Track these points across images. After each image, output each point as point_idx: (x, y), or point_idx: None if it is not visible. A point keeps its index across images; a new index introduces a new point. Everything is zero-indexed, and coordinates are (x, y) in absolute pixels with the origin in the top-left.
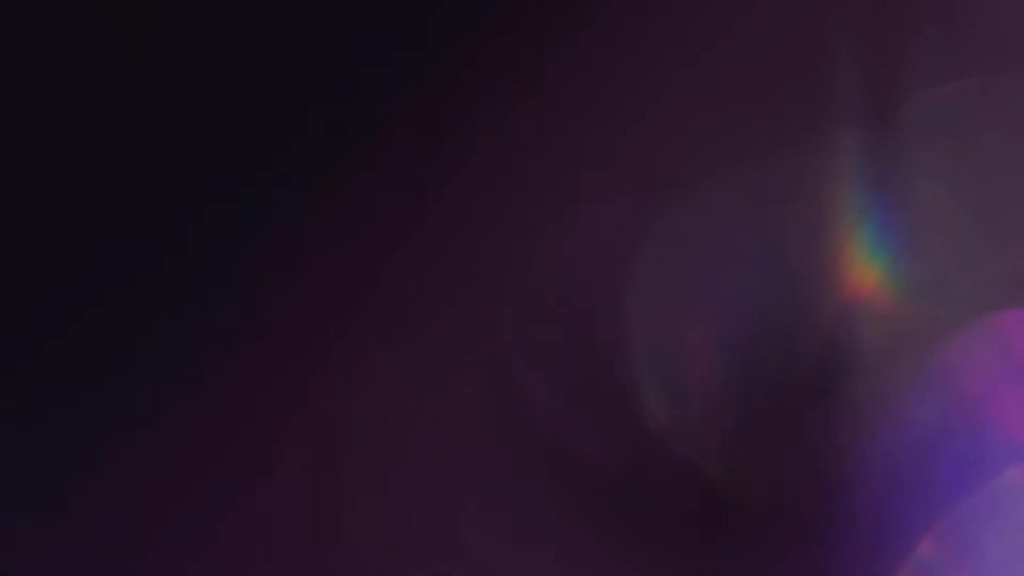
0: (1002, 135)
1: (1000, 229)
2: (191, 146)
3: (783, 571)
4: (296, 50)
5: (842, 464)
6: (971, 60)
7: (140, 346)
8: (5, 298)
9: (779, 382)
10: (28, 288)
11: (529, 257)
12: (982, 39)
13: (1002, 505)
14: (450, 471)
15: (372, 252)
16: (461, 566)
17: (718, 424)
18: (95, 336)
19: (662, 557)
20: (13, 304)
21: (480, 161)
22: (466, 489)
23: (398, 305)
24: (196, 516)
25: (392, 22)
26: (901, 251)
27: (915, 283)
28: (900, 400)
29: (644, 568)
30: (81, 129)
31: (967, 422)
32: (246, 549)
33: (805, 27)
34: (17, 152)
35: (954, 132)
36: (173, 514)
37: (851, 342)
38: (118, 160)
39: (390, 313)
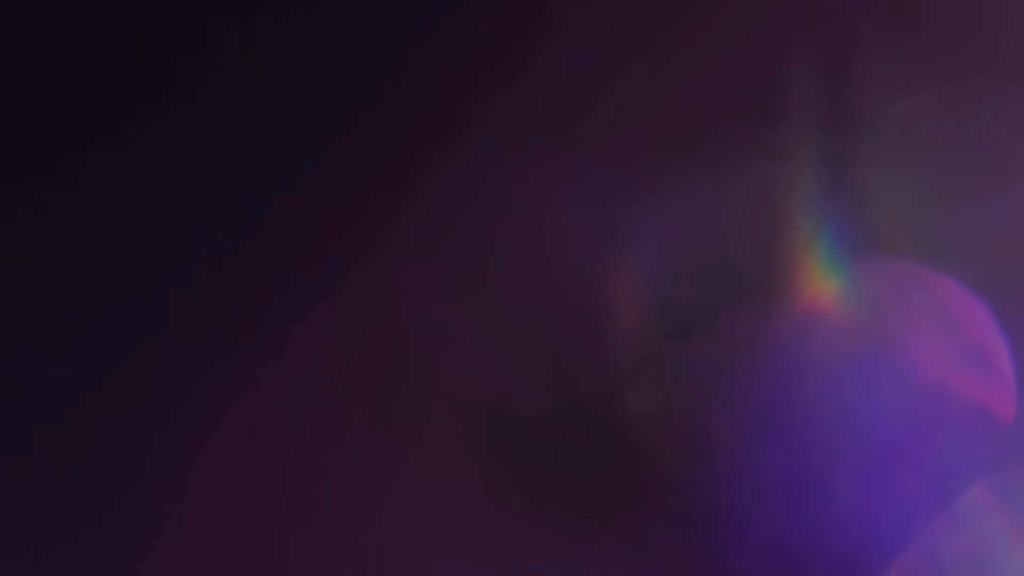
0: (962, 144)
1: (960, 238)
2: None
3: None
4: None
5: (800, 468)
6: (933, 69)
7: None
8: None
9: (737, 385)
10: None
11: (501, 252)
12: (943, 48)
13: (963, 522)
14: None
15: (357, 246)
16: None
17: (680, 424)
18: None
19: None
20: None
21: (457, 159)
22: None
23: (380, 296)
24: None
25: (378, 18)
26: (859, 261)
27: (872, 292)
28: (861, 408)
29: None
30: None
31: (928, 433)
32: (224, 547)
33: (765, 37)
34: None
35: (914, 142)
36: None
37: (809, 350)
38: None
39: (372, 304)
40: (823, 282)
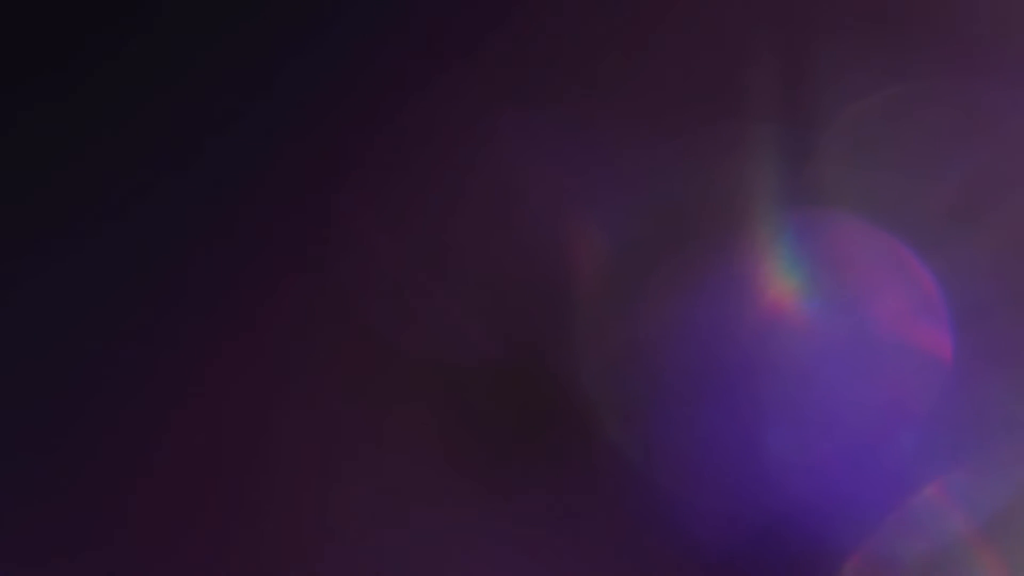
0: (922, 145)
1: (918, 240)
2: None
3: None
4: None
5: (760, 470)
6: (891, 69)
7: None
8: None
9: (694, 389)
10: None
11: (460, 207)
12: (903, 47)
13: (918, 521)
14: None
15: (315, 201)
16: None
17: (634, 421)
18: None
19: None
20: None
21: (421, 116)
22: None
23: (336, 252)
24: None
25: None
26: (818, 263)
27: (830, 294)
28: (818, 409)
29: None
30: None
31: (885, 433)
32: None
33: (725, 36)
34: None
35: (874, 143)
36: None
37: (769, 352)
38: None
39: (327, 260)
40: (783, 285)
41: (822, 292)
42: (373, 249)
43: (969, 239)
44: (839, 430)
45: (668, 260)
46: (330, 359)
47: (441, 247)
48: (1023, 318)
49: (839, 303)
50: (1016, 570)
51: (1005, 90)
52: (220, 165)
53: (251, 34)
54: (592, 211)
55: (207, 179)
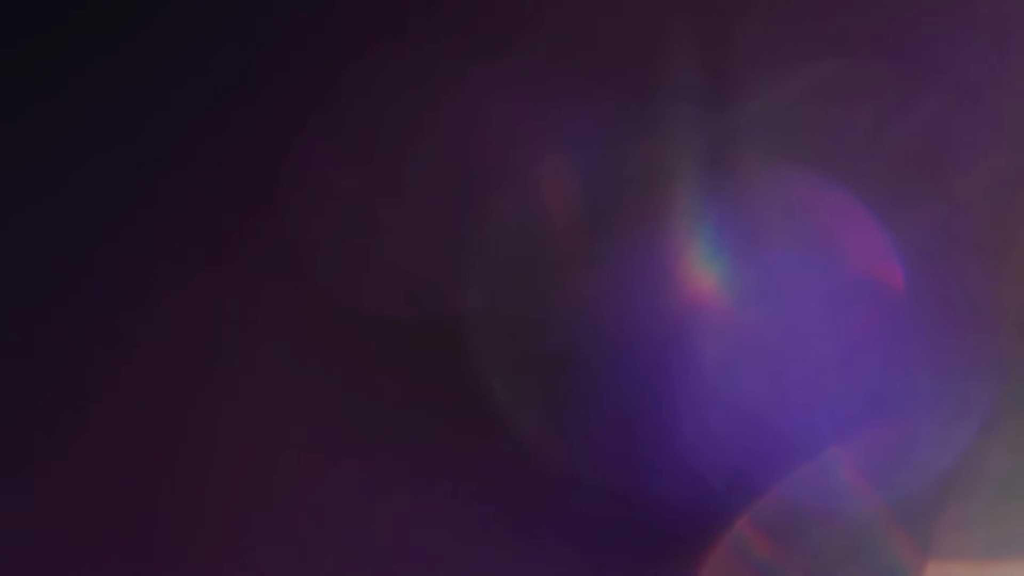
0: (844, 131)
1: (843, 229)
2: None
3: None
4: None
5: (676, 452)
6: (816, 54)
7: None
8: None
9: (613, 377)
10: None
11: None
12: (827, 31)
13: (820, 489)
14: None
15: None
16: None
17: (551, 410)
18: None
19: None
20: None
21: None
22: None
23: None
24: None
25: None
26: (739, 253)
27: (752, 284)
28: (734, 392)
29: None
30: None
31: (794, 407)
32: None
33: (647, 22)
34: None
35: (797, 131)
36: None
37: (689, 341)
38: None
39: (268, 207)
40: (703, 275)
41: (746, 262)
42: (329, 204)
43: (892, 207)
44: (769, 390)
45: (608, 220)
46: (282, 315)
47: (396, 205)
48: (961, 278)
49: (764, 270)
50: (926, 547)
51: (918, 68)
52: (176, 114)
53: None
54: (542, 164)
55: (163, 126)
